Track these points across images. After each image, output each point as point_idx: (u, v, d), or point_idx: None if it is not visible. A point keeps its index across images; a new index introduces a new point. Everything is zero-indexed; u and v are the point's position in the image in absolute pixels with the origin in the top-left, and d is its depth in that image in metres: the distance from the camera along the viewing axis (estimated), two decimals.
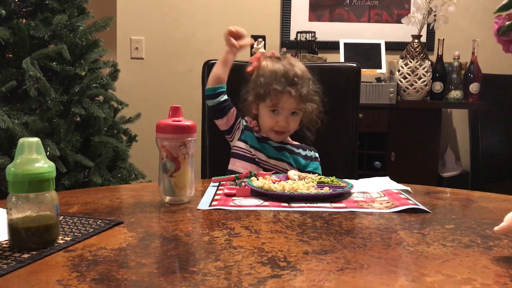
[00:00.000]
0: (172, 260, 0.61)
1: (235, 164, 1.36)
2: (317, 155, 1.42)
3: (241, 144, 1.37)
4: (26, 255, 0.61)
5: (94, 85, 1.95)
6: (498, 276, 0.57)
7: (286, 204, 0.91)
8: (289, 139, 1.42)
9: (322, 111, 1.37)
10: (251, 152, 1.35)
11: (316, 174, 1.13)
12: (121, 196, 1.04)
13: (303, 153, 1.39)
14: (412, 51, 2.54)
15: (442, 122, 2.70)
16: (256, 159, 1.34)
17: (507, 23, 0.73)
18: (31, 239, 0.63)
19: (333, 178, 1.08)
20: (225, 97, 1.36)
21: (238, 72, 1.40)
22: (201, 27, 3.04)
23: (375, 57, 2.79)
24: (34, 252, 0.62)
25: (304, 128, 1.40)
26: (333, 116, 1.49)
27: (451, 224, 0.80)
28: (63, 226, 0.74)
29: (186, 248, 0.67)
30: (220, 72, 1.36)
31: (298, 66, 1.35)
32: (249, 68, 1.38)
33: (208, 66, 1.51)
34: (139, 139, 2.26)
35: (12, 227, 0.63)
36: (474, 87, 2.62)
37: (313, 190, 0.97)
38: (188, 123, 0.92)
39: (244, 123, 1.40)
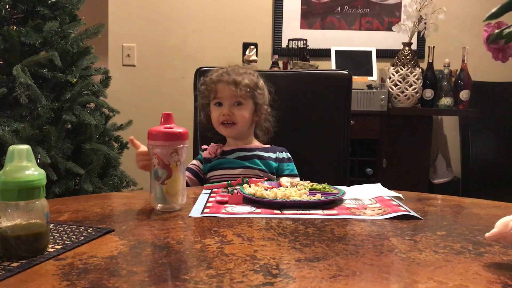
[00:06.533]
0: (163, 268, 0.61)
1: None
2: (289, 155, 1.39)
3: (210, 173, 1.34)
4: (15, 264, 0.60)
5: (86, 92, 1.95)
6: (490, 282, 0.57)
7: (279, 211, 0.91)
8: (257, 143, 1.40)
9: (269, 110, 1.39)
10: (222, 176, 1.31)
11: (308, 181, 1.12)
12: (112, 203, 1.03)
13: (273, 156, 1.35)
14: (403, 59, 2.56)
15: (433, 129, 2.72)
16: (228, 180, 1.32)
17: (497, 31, 0.74)
18: (21, 248, 0.63)
19: (325, 185, 1.08)
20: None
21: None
22: (193, 34, 3.05)
23: (366, 64, 2.81)
24: (23, 261, 0.61)
25: (256, 129, 1.40)
26: (325, 123, 1.50)
27: (443, 231, 0.80)
28: (54, 234, 0.73)
29: (178, 256, 0.66)
30: None
31: (241, 67, 1.37)
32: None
33: (200, 73, 1.51)
34: (130, 147, 2.24)
35: (2, 236, 0.63)
36: (464, 94, 2.64)
37: (305, 197, 0.97)
38: (180, 130, 0.92)
39: (201, 157, 1.37)
